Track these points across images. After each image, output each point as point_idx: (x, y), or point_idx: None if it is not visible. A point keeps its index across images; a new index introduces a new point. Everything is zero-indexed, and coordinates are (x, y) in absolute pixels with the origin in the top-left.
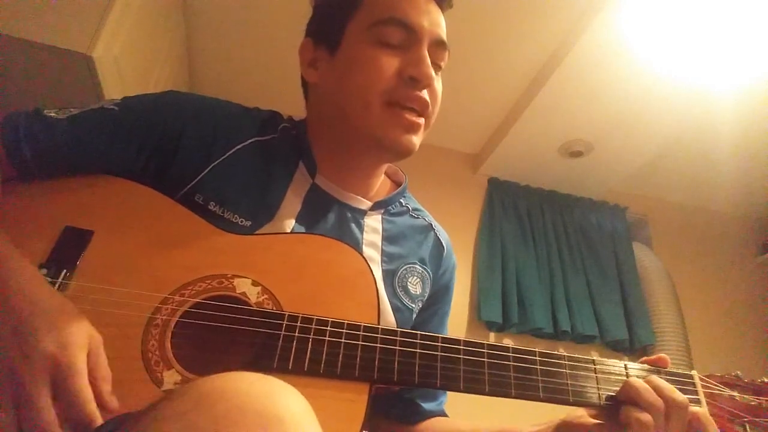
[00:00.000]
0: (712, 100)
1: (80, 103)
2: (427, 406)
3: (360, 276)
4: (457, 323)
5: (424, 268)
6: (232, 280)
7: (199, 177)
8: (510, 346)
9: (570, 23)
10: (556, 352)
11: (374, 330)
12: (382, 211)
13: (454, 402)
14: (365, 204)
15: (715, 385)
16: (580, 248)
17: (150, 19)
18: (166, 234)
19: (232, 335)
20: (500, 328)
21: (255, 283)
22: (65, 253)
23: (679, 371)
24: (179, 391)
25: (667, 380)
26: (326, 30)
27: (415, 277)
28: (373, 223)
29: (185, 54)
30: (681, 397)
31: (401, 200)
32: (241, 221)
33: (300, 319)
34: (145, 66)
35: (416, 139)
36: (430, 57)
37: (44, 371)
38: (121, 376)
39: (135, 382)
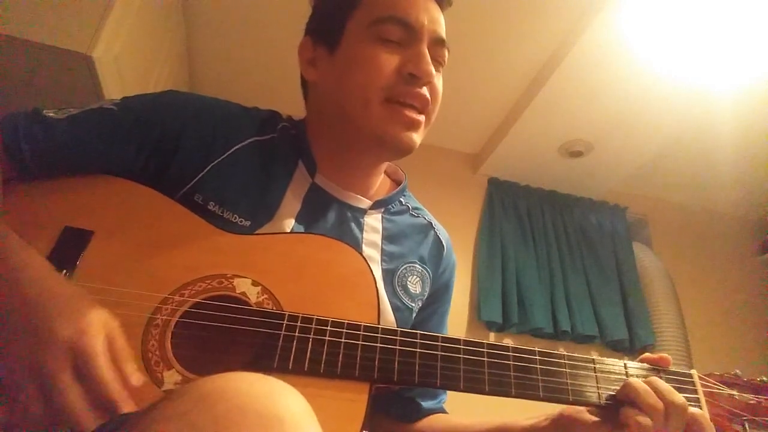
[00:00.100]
0: (712, 100)
1: (80, 103)
2: (426, 404)
3: (360, 276)
4: (457, 323)
5: (424, 267)
6: (231, 280)
7: (198, 177)
8: (510, 345)
9: (570, 23)
10: (556, 352)
11: (374, 330)
12: (382, 210)
13: (455, 402)
14: (365, 203)
15: (715, 384)
16: (580, 248)
17: (150, 19)
18: (165, 234)
19: (232, 335)
20: (500, 328)
21: (255, 283)
22: (65, 253)
23: (679, 370)
24: (179, 392)
25: (667, 380)
26: (326, 29)
27: (415, 276)
28: (373, 222)
29: (185, 54)
30: (680, 399)
31: (401, 199)
32: (241, 221)
33: (300, 319)
34: (145, 66)
35: (416, 137)
36: (429, 54)
37: (65, 357)
38: None
39: None
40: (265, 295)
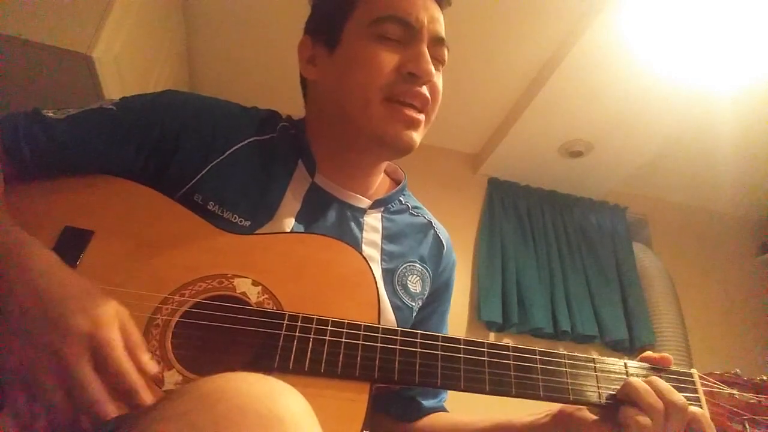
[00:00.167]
0: (712, 100)
1: (80, 103)
2: (427, 403)
3: (360, 275)
4: (457, 323)
5: (424, 267)
6: (232, 280)
7: (197, 177)
8: (510, 345)
9: (570, 24)
10: (556, 351)
11: (375, 330)
12: (382, 209)
13: (455, 402)
14: (365, 202)
15: (715, 384)
16: (580, 248)
17: (150, 19)
18: (166, 234)
19: (232, 335)
20: (500, 328)
21: (255, 283)
22: (65, 253)
23: (679, 370)
24: (180, 392)
25: (667, 379)
26: (325, 27)
27: (415, 276)
28: (373, 221)
29: (185, 54)
30: (681, 399)
31: (401, 198)
32: (241, 221)
33: (300, 318)
34: (145, 66)
35: (416, 136)
36: (429, 54)
37: (84, 350)
38: None
39: None
40: (266, 295)
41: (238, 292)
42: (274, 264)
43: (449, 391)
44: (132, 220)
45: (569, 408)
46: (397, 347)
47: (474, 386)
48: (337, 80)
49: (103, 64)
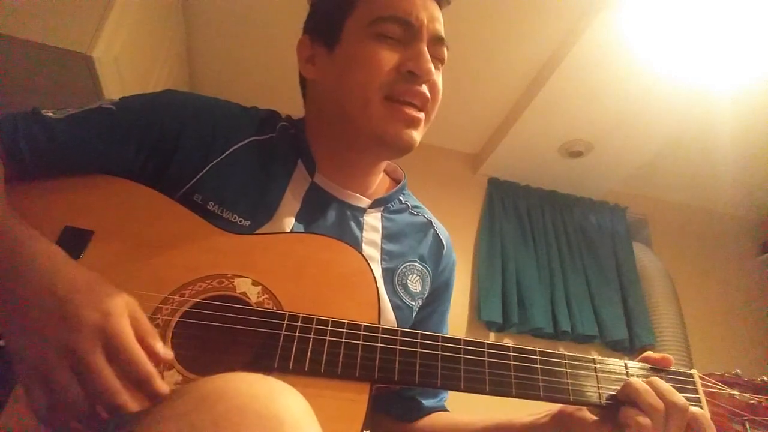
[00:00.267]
0: (712, 100)
1: (80, 103)
2: (427, 402)
3: (360, 275)
4: (457, 323)
5: (424, 266)
6: (232, 280)
7: (197, 177)
8: (510, 345)
9: (570, 23)
10: (556, 351)
11: (375, 330)
12: (382, 208)
13: (455, 401)
14: (364, 202)
15: (715, 384)
16: (580, 248)
17: (150, 19)
18: (165, 234)
19: (232, 335)
20: (500, 328)
21: (255, 283)
22: None
23: (680, 370)
24: (180, 392)
25: (668, 380)
26: (324, 27)
27: (415, 275)
28: (373, 221)
29: (185, 54)
30: (681, 400)
31: (400, 197)
32: (240, 221)
33: (300, 318)
34: (145, 66)
35: (416, 135)
36: (429, 53)
37: (96, 341)
38: None
39: None
40: (266, 295)
41: (238, 292)
42: (274, 264)
43: (449, 391)
44: (132, 220)
45: (569, 408)
46: (397, 347)
47: (474, 386)
48: (336, 79)
49: (103, 64)
